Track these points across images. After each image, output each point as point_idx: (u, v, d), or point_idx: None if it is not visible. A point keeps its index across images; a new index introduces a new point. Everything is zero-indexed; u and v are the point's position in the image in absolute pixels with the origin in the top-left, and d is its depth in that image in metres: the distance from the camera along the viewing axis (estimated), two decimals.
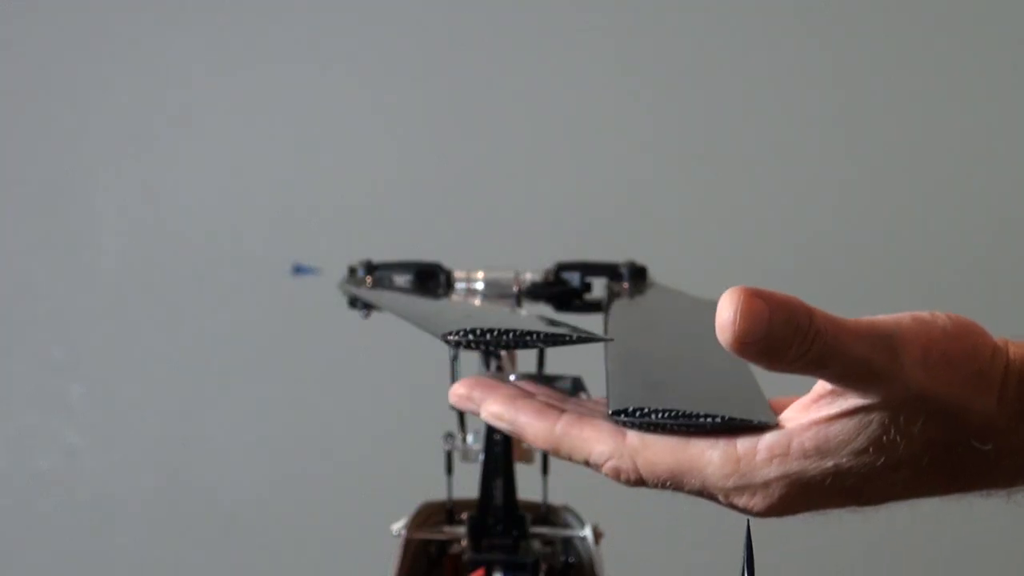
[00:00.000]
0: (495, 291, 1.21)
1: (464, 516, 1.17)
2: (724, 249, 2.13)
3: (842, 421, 0.68)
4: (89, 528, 2.16)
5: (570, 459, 0.72)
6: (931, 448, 0.69)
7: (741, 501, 0.70)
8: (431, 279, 1.22)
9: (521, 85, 2.17)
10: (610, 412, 0.70)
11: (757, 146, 2.16)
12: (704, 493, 0.71)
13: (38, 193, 2.16)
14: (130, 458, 2.16)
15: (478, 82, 2.16)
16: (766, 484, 0.69)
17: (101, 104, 2.16)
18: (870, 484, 0.69)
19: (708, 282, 1.14)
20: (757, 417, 0.69)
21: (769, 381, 0.75)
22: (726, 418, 0.69)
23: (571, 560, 1.19)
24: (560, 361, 1.07)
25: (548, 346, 0.72)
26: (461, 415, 1.21)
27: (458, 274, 1.23)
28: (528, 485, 1.20)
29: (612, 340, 0.77)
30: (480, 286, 1.22)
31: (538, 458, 1.20)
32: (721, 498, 0.70)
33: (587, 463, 0.72)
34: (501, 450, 1.16)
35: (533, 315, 0.88)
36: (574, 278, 1.24)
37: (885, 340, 0.67)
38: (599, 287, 1.24)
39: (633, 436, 0.70)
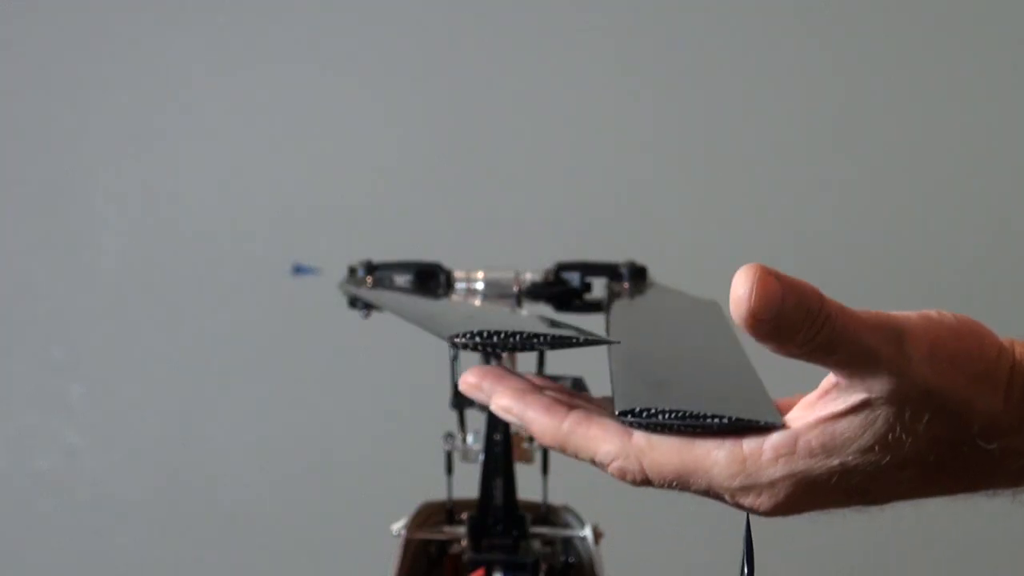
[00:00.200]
0: (495, 291, 1.21)
1: (464, 516, 1.17)
2: (724, 249, 2.13)
3: (848, 418, 0.68)
4: (89, 528, 2.16)
5: (576, 457, 0.72)
6: (936, 447, 0.69)
7: (747, 501, 0.70)
8: (431, 279, 1.22)
9: (521, 85, 2.17)
10: (616, 413, 0.70)
11: (757, 146, 2.16)
12: (710, 493, 0.71)
13: (38, 193, 2.16)
14: (130, 458, 2.16)
15: (478, 82, 2.16)
16: (772, 484, 0.69)
17: (101, 104, 2.16)
18: (876, 483, 0.69)
19: (708, 282, 1.14)
20: (763, 417, 0.69)
21: (771, 381, 0.75)
22: (733, 418, 0.69)
23: (571, 560, 1.19)
24: (560, 360, 1.07)
25: (554, 348, 0.72)
26: (461, 415, 1.22)
27: (458, 274, 1.23)
28: (528, 485, 1.20)
29: (618, 343, 0.77)
30: (480, 286, 1.22)
31: (538, 458, 1.20)
32: (727, 498, 0.70)
33: (593, 462, 0.72)
34: (501, 450, 1.16)
35: (535, 316, 0.88)
36: (574, 278, 1.24)
37: (893, 333, 0.67)
38: (599, 287, 1.24)
39: (639, 436, 0.70)
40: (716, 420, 0.69)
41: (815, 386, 0.70)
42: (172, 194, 2.16)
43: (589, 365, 0.95)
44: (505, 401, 0.73)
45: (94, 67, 2.16)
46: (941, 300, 0.70)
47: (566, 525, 1.20)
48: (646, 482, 0.71)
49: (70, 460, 2.16)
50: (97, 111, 2.16)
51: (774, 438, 0.69)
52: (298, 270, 1.52)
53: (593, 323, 1.04)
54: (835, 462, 0.69)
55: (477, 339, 0.72)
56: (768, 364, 0.79)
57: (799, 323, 0.65)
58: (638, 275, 1.24)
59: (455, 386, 1.20)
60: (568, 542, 1.20)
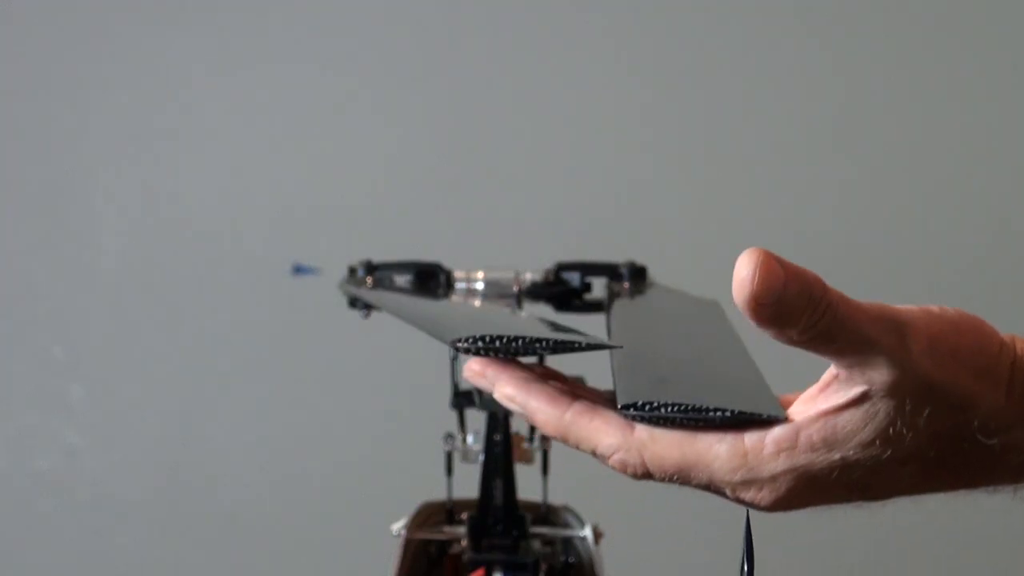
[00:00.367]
0: (495, 291, 1.21)
1: (464, 516, 1.17)
2: (724, 249, 2.12)
3: (849, 411, 0.68)
4: (89, 528, 2.16)
5: (577, 448, 0.72)
6: (937, 442, 0.69)
7: (748, 495, 0.70)
8: (431, 279, 1.22)
9: (521, 85, 2.17)
10: (619, 406, 0.70)
11: (757, 146, 2.16)
12: (711, 487, 0.71)
13: (38, 193, 2.16)
14: (130, 458, 2.16)
15: (478, 82, 2.16)
16: (773, 478, 0.69)
17: (101, 104, 2.16)
18: (877, 478, 0.69)
19: (708, 282, 1.14)
20: (765, 411, 0.69)
21: (773, 379, 0.75)
22: (735, 412, 0.69)
23: (571, 560, 1.19)
24: (560, 359, 1.07)
25: (557, 353, 0.72)
26: (461, 415, 1.22)
27: (458, 274, 1.23)
28: (528, 485, 1.20)
29: (620, 348, 0.77)
30: (480, 286, 1.22)
31: (538, 458, 1.20)
32: (728, 492, 0.70)
33: (594, 454, 0.72)
34: (501, 450, 1.16)
35: (537, 318, 0.88)
36: (574, 278, 1.24)
37: (894, 325, 0.67)
38: (599, 287, 1.24)
39: (641, 430, 0.70)
40: (718, 413, 0.69)
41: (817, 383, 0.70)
42: (172, 194, 2.16)
43: (589, 365, 0.95)
44: (509, 390, 0.73)
45: (94, 67, 2.16)
46: (941, 300, 0.70)
47: (566, 525, 1.20)
48: (647, 475, 0.71)
49: (70, 460, 2.16)
50: (97, 111, 2.16)
51: (775, 432, 0.69)
52: (298, 270, 1.52)
53: (593, 323, 1.04)
54: (836, 456, 0.69)
55: (479, 343, 0.72)
56: (769, 363, 0.79)
57: (801, 309, 0.65)
58: (638, 275, 1.24)
59: (455, 386, 1.20)
60: (568, 542, 1.20)
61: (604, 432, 0.71)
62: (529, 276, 1.23)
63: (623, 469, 0.71)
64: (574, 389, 0.74)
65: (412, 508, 1.20)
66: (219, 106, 2.17)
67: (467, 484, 1.19)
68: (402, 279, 1.23)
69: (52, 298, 2.16)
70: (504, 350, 0.71)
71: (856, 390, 0.68)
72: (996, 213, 2.16)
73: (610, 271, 1.24)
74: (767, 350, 0.82)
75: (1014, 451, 0.70)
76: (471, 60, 2.16)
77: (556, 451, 1.20)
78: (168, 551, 2.16)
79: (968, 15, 2.16)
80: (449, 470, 1.20)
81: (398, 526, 1.18)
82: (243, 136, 2.16)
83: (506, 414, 1.17)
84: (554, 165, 2.16)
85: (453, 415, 1.21)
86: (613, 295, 1.18)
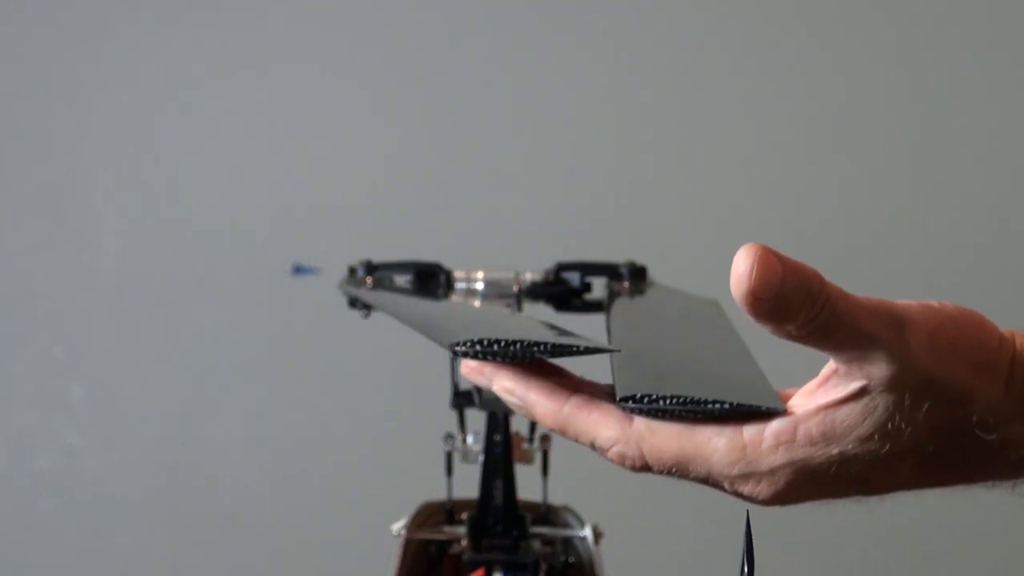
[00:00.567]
0: (495, 291, 1.21)
1: (464, 516, 1.17)
2: (724, 249, 2.12)
3: (848, 405, 0.68)
4: (89, 528, 2.16)
5: (576, 440, 0.72)
6: (936, 436, 0.69)
7: (746, 489, 0.70)
8: (431, 279, 1.22)
9: (521, 85, 2.17)
10: (617, 399, 0.70)
11: (757, 146, 2.16)
12: (709, 480, 0.71)
13: (38, 193, 2.16)
14: (130, 458, 2.16)
15: (478, 82, 2.16)
16: (772, 471, 0.69)
17: (101, 104, 2.16)
18: (875, 473, 0.69)
19: (708, 282, 1.14)
20: (764, 403, 0.69)
21: (774, 377, 0.75)
22: (734, 404, 0.69)
23: (571, 560, 1.19)
24: (559, 360, 1.07)
25: (555, 356, 0.72)
26: (461, 415, 1.22)
27: (458, 274, 1.23)
28: (528, 485, 1.20)
29: (619, 351, 0.77)
30: (480, 286, 1.22)
31: (538, 458, 1.20)
32: (726, 485, 0.70)
33: (593, 446, 0.72)
34: (501, 451, 1.16)
35: (535, 320, 0.88)
36: (574, 278, 1.24)
37: (893, 319, 0.67)
38: (599, 287, 1.24)
39: (640, 422, 0.70)
40: (717, 405, 0.69)
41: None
42: (172, 194, 2.16)
43: (588, 366, 0.95)
44: (508, 383, 0.73)
45: (94, 67, 2.16)
46: (941, 299, 0.70)
47: (566, 525, 1.20)
48: (645, 468, 0.71)
49: (70, 460, 2.16)
50: (97, 111, 2.16)
51: (774, 426, 0.69)
52: (298, 270, 1.52)
53: (593, 323, 1.05)
54: (835, 451, 0.69)
55: (477, 347, 0.72)
56: (769, 362, 0.79)
57: (799, 304, 0.65)
58: (638, 275, 1.24)
59: (455, 386, 1.20)
60: (568, 542, 1.20)
61: (603, 424, 0.71)
62: (529, 276, 1.23)
63: (621, 461, 0.71)
64: (573, 383, 0.74)
65: (412, 508, 1.20)
66: (219, 106, 2.17)
67: (467, 484, 1.19)
68: (402, 279, 1.23)
69: (52, 298, 2.16)
70: (502, 354, 0.71)
71: (855, 385, 0.68)
72: (996, 213, 2.16)
73: (610, 271, 1.24)
74: (767, 349, 0.82)
75: (1013, 446, 0.70)
76: (471, 60, 2.17)
77: (556, 451, 1.20)
78: (168, 551, 2.16)
79: (968, 15, 2.16)
80: (449, 470, 1.20)
81: (398, 526, 1.18)
82: (243, 136, 2.16)
83: (506, 414, 1.17)
84: (554, 165, 2.16)
85: (453, 415, 1.22)
86: (613, 295, 1.18)
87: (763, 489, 0.70)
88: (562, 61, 2.16)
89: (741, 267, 0.65)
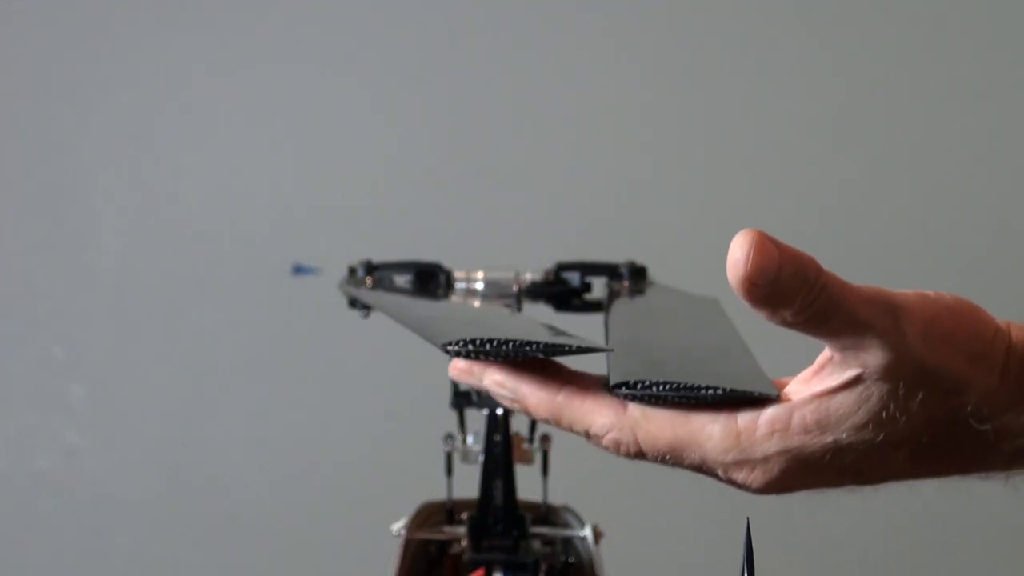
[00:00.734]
0: (495, 291, 1.22)
1: (464, 516, 1.17)
2: (724, 249, 2.12)
3: (843, 394, 0.68)
4: (89, 528, 2.16)
5: (571, 430, 0.72)
6: (930, 426, 0.69)
7: (740, 476, 0.70)
8: (431, 279, 1.22)
9: (521, 85, 2.17)
10: (611, 385, 0.70)
11: (757, 146, 2.16)
12: (703, 467, 0.70)
13: (38, 193, 2.16)
14: (130, 458, 2.16)
15: (478, 82, 2.16)
16: (766, 459, 0.69)
17: (101, 104, 2.16)
18: (869, 462, 0.69)
19: (708, 282, 1.14)
20: (757, 389, 0.69)
21: (773, 374, 0.75)
22: (727, 389, 0.69)
23: (571, 560, 1.19)
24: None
25: (547, 356, 0.72)
26: (461, 416, 1.22)
27: (458, 274, 1.23)
28: (528, 485, 1.20)
29: (612, 351, 0.77)
30: (480, 286, 1.22)
31: (538, 459, 1.20)
32: (720, 473, 0.70)
33: (587, 435, 0.71)
34: (501, 451, 1.16)
35: (533, 321, 0.88)
36: (574, 278, 1.24)
37: (888, 308, 0.67)
38: (599, 287, 1.24)
39: (634, 409, 0.70)
40: (711, 391, 0.69)
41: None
42: (172, 194, 2.16)
43: (585, 365, 0.95)
44: (498, 376, 0.73)
45: (94, 67, 2.16)
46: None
47: (566, 525, 1.20)
48: (640, 455, 0.71)
49: (70, 460, 2.16)
50: (97, 111, 2.16)
51: (769, 413, 0.69)
52: (298, 270, 1.52)
53: (593, 323, 1.05)
54: (829, 439, 0.68)
55: (469, 347, 0.72)
56: (769, 361, 0.79)
57: (795, 290, 0.65)
58: (638, 275, 1.24)
59: (455, 386, 1.20)
60: (568, 542, 1.20)
61: (597, 412, 0.71)
62: (529, 276, 1.23)
63: (616, 448, 0.71)
64: (565, 374, 0.74)
65: (412, 508, 1.20)
66: (219, 106, 2.17)
67: (467, 484, 1.19)
68: (402, 279, 1.23)
69: (52, 298, 2.16)
70: (494, 353, 0.71)
71: (850, 373, 0.68)
72: (996, 213, 2.16)
73: (610, 271, 1.24)
74: (767, 348, 0.82)
75: (1007, 437, 0.70)
76: (471, 60, 2.16)
77: (556, 451, 1.20)
78: (168, 551, 2.16)
79: (968, 15, 2.16)
80: (449, 470, 1.20)
81: (398, 526, 1.18)
82: (243, 136, 2.16)
83: (506, 414, 1.17)
84: (554, 165, 2.16)
85: (453, 415, 1.21)
86: (613, 295, 1.18)
87: (757, 477, 0.70)
88: (562, 61, 2.16)
89: (737, 252, 0.65)
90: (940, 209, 2.16)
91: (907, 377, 0.67)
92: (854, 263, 2.11)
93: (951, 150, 2.16)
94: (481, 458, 1.17)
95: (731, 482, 0.71)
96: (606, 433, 0.71)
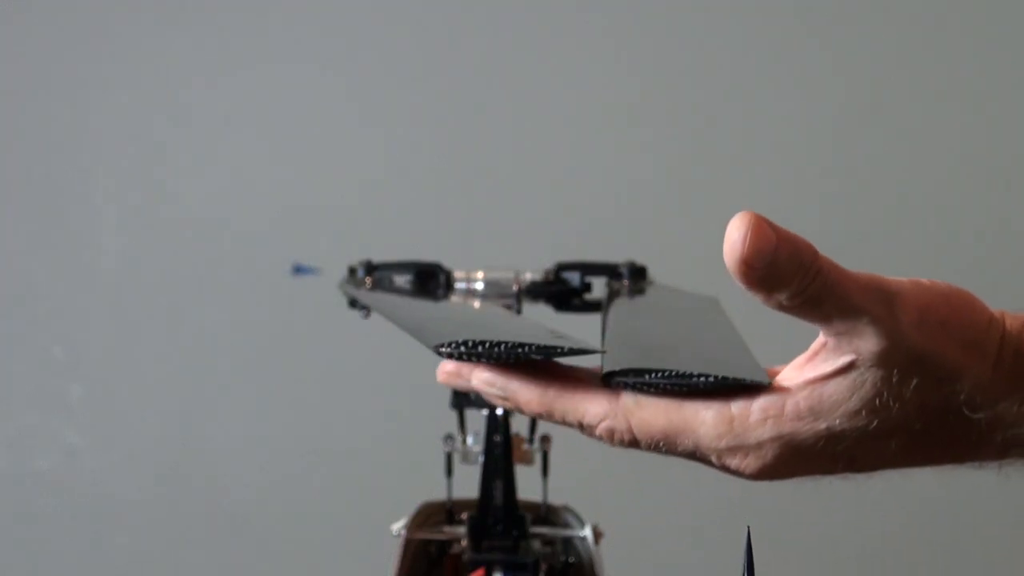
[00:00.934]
0: (495, 291, 1.21)
1: (464, 516, 1.17)
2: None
3: (836, 380, 0.68)
4: (89, 528, 2.16)
5: (564, 422, 0.72)
6: (923, 414, 0.69)
7: (734, 462, 0.70)
8: (431, 279, 1.22)
9: (521, 85, 2.17)
10: (604, 373, 0.70)
11: (757, 146, 2.16)
12: (697, 454, 0.71)
13: (38, 193, 2.16)
14: (130, 458, 2.16)
15: (478, 82, 2.16)
16: (759, 445, 0.69)
17: (101, 104, 2.16)
18: (863, 449, 0.69)
19: (708, 282, 1.14)
20: (749, 376, 0.69)
21: (769, 363, 0.75)
22: (720, 377, 0.69)
23: (571, 560, 1.19)
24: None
25: (540, 358, 0.71)
26: (461, 416, 1.22)
27: (458, 274, 1.23)
28: (528, 485, 1.20)
29: (605, 352, 0.77)
30: (480, 286, 1.22)
31: (538, 459, 1.20)
32: (714, 459, 0.70)
33: (580, 426, 0.71)
34: (501, 451, 1.16)
35: (531, 321, 0.88)
36: (574, 278, 1.24)
37: (883, 294, 0.67)
38: (599, 287, 1.24)
39: (627, 396, 0.70)
40: (703, 379, 0.69)
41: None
42: (172, 194, 2.16)
43: (584, 364, 0.95)
44: (486, 375, 0.73)
45: (94, 67, 2.16)
46: None
47: (566, 525, 1.20)
48: (634, 443, 0.71)
49: (70, 460, 2.16)
50: (97, 111, 2.16)
51: (762, 399, 0.69)
52: (298, 270, 1.52)
53: (593, 323, 1.05)
54: (822, 426, 0.69)
55: (461, 348, 0.71)
56: (770, 359, 0.79)
57: (791, 273, 0.65)
58: (638, 275, 1.24)
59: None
60: (568, 542, 1.20)
61: (590, 402, 0.71)
62: (529, 276, 1.23)
63: (610, 437, 0.70)
64: (555, 368, 0.73)
65: (412, 508, 1.20)
66: (219, 106, 2.17)
67: (467, 484, 1.19)
68: (402, 279, 1.23)
69: (52, 298, 2.16)
70: (486, 355, 0.71)
71: (844, 359, 0.68)
72: (996, 213, 2.16)
73: (610, 271, 1.24)
74: (767, 348, 0.82)
75: (1000, 426, 0.70)
76: (471, 60, 2.16)
77: (556, 451, 1.20)
78: (168, 551, 2.16)
79: (968, 15, 2.16)
80: (449, 471, 1.20)
81: (398, 526, 1.18)
82: (243, 136, 2.16)
83: (506, 414, 1.17)
84: (554, 165, 2.16)
85: (453, 415, 1.21)
86: (613, 295, 1.18)
87: (750, 463, 0.70)
88: (562, 61, 2.16)
89: (735, 234, 0.65)
90: (940, 209, 2.16)
91: (901, 364, 0.68)
92: (853, 263, 2.11)
93: (951, 150, 2.16)
94: (481, 458, 1.17)
95: (725, 468, 0.71)
96: (599, 422, 0.71)
